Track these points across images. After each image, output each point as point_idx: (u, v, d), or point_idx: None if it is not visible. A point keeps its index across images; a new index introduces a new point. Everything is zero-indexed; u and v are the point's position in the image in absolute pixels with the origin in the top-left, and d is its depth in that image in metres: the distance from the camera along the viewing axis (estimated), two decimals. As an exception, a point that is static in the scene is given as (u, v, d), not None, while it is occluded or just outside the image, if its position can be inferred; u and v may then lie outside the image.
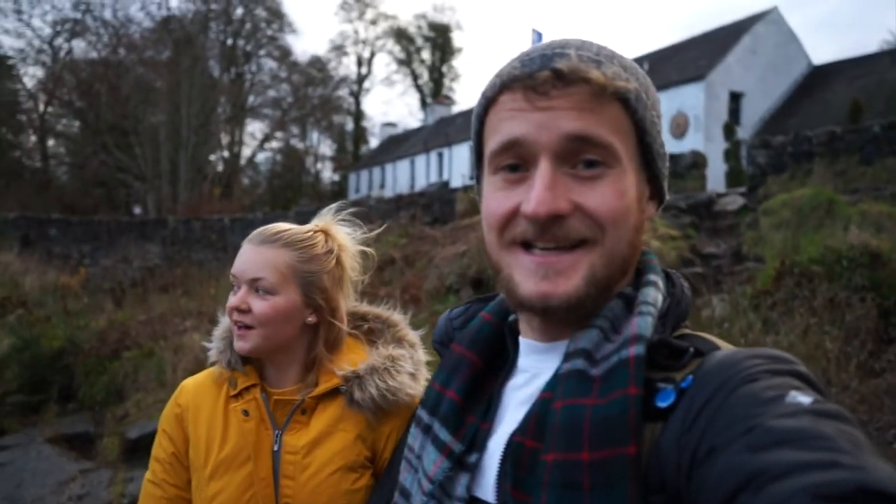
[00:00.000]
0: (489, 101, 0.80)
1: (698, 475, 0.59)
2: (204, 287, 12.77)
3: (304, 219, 1.54)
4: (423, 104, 49.09)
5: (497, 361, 0.89)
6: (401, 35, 50.03)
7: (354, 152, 49.59)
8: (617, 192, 0.74)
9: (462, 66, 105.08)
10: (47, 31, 40.26)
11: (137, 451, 6.65)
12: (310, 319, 1.43)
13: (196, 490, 1.40)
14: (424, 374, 1.44)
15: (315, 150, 49.97)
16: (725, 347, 0.74)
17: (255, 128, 59.12)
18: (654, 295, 0.77)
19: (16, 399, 8.63)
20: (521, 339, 0.86)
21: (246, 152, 45.55)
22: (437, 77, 50.68)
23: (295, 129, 47.39)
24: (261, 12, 41.62)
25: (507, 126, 0.76)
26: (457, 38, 73.75)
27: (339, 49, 51.28)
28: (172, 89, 35.03)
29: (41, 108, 37.75)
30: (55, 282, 14.17)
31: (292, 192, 44.22)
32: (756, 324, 5.92)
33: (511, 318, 0.91)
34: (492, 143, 0.78)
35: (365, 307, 1.58)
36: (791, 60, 25.99)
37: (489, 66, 77.58)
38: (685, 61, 26.03)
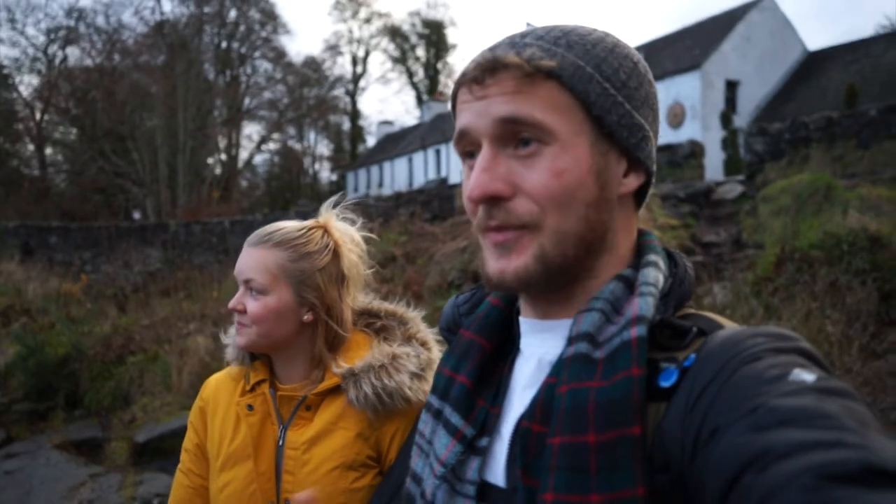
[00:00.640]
0: (454, 99, 0.84)
1: (702, 455, 0.59)
2: (206, 290, 12.78)
3: (303, 218, 1.54)
4: (420, 101, 49.01)
5: (505, 345, 0.89)
6: (395, 33, 49.98)
7: (352, 151, 49.55)
8: (553, 170, 0.75)
9: (457, 62, 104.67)
10: (41, 39, 40.22)
11: (146, 454, 6.69)
12: (306, 318, 1.43)
13: (210, 480, 1.44)
14: (433, 375, 1.43)
15: (312, 151, 50.00)
16: (729, 326, 0.74)
17: (251, 130, 59.21)
18: (655, 275, 0.77)
19: (23, 406, 8.65)
20: (522, 319, 0.87)
21: (243, 155, 45.58)
22: (433, 74, 50.62)
23: (292, 130, 47.39)
24: (254, 14, 41.56)
25: (459, 119, 0.81)
26: (451, 35, 73.53)
27: (333, 49, 51.22)
28: (168, 94, 35.00)
29: (38, 116, 37.76)
30: (58, 289, 14.18)
31: (291, 193, 44.20)
32: (758, 310, 5.94)
33: (518, 303, 0.91)
34: (455, 135, 0.83)
35: (378, 303, 1.57)
36: (786, 47, 25.96)
37: (484, 62, 77.13)
38: (680, 51, 26.00)
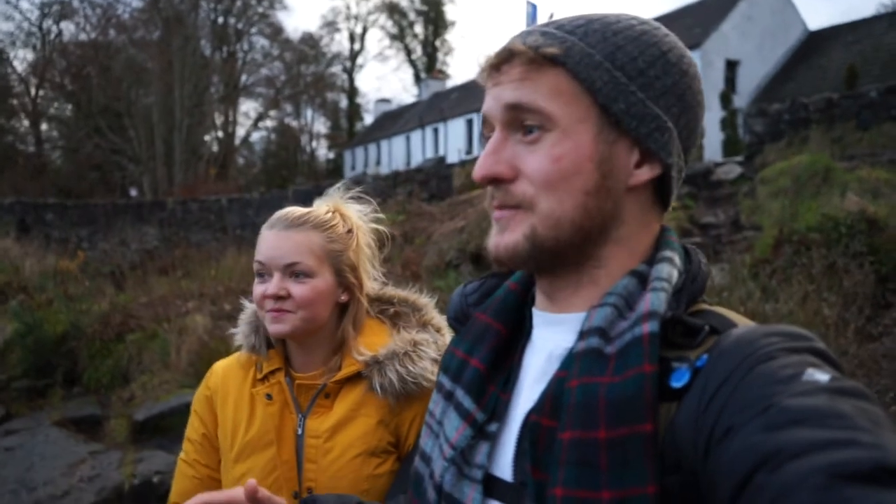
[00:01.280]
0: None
1: (715, 455, 0.59)
2: (204, 268, 12.78)
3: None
4: (417, 79, 48.68)
5: (519, 331, 0.90)
6: (393, 9, 49.48)
7: (349, 129, 49.28)
8: (551, 156, 0.77)
9: (456, 39, 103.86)
10: (35, 13, 39.80)
11: (145, 432, 6.73)
12: (343, 298, 1.44)
13: (224, 471, 1.43)
14: None
15: (309, 128, 49.75)
16: (742, 324, 0.74)
17: (248, 107, 58.87)
18: (669, 270, 0.77)
19: (21, 383, 8.68)
20: (534, 310, 0.88)
21: (240, 132, 45.32)
22: (431, 51, 50.21)
23: (289, 108, 47.10)
24: (251, -11, 41.14)
25: (483, 103, 0.84)
26: (450, 12, 72.92)
27: (330, 25, 50.98)
28: (164, 70, 34.71)
29: (32, 91, 37.48)
30: (54, 266, 14.16)
31: (288, 171, 44.03)
32: (755, 292, 5.97)
33: (534, 288, 0.91)
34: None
35: (392, 290, 1.57)
36: (787, 26, 25.77)
37: (483, 40, 76.90)
38: (680, 30, 25.78)
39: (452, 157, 29.44)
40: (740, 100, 22.64)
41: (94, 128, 35.31)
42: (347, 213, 1.50)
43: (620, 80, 0.77)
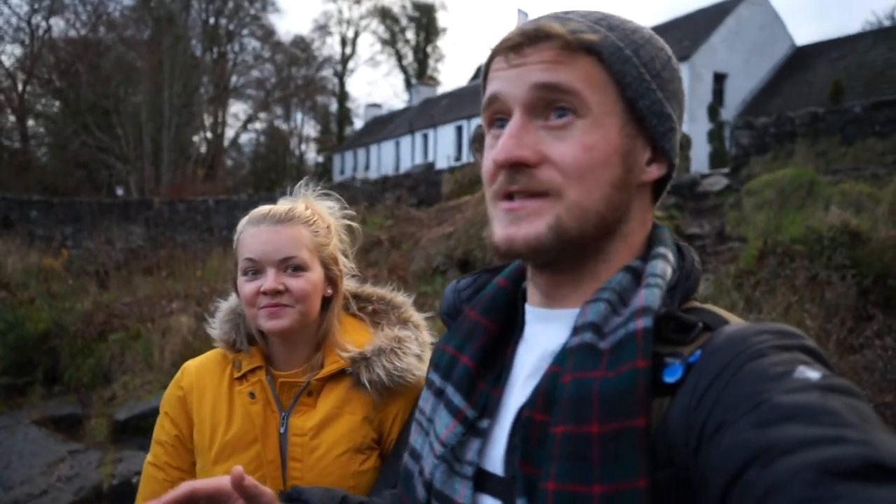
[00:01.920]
0: (486, 68, 0.84)
1: (706, 450, 0.60)
2: (189, 269, 12.71)
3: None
4: (408, 85, 48.74)
5: (510, 328, 0.89)
6: (385, 15, 49.57)
7: (339, 133, 49.21)
8: (584, 144, 0.75)
9: (447, 46, 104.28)
10: (25, 8, 39.47)
11: (126, 432, 6.68)
12: (328, 292, 1.45)
13: (201, 472, 1.40)
14: (430, 356, 1.45)
15: (299, 132, 49.60)
16: (734, 321, 0.75)
17: (238, 108, 58.70)
18: (663, 267, 0.77)
19: (1, 381, 8.59)
20: (528, 307, 0.88)
21: (229, 133, 45.11)
22: (422, 57, 50.31)
23: (279, 110, 46.94)
24: (243, -9, 41.03)
25: (491, 85, 0.81)
26: (441, 19, 73.30)
27: (322, 29, 50.82)
28: (154, 69, 34.50)
29: (20, 87, 37.12)
30: (38, 264, 14.03)
31: (276, 174, 43.86)
32: (739, 303, 6.02)
33: (524, 284, 0.91)
34: (483, 103, 0.83)
35: (370, 288, 1.59)
36: (774, 41, 26.05)
37: (474, 47, 77.21)
38: (669, 42, 24.62)
39: (441, 163, 29.46)
40: (727, 112, 22.84)
41: (81, 125, 35.00)
42: (320, 209, 1.50)
43: (645, 77, 0.79)
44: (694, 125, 22.09)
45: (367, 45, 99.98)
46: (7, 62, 37.93)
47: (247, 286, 1.38)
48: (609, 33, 0.78)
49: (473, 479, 0.80)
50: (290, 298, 1.36)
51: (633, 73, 0.78)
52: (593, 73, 0.76)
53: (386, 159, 38.90)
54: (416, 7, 49.66)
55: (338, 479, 1.32)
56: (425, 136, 36.19)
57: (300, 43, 46.11)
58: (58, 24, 37.67)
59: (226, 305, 1.53)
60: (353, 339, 1.46)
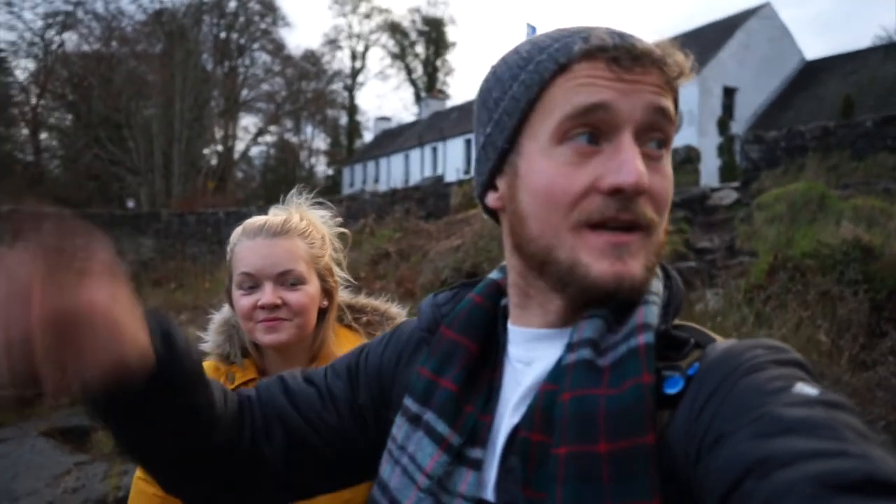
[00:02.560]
0: (561, 67, 0.73)
1: (705, 462, 0.59)
2: (198, 281, 12.76)
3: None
4: (418, 98, 48.98)
5: (488, 346, 0.85)
6: (395, 29, 49.88)
7: (348, 146, 49.45)
8: (669, 176, 0.75)
9: (456, 60, 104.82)
10: (39, 23, 39.89)
11: (133, 444, 6.66)
12: (324, 303, 1.43)
13: None
14: None
15: (309, 145, 49.88)
16: (720, 340, 0.74)
17: (248, 122, 59.06)
18: (657, 285, 0.77)
19: (10, 392, 8.62)
20: (511, 326, 0.84)
21: (240, 146, 45.38)
22: (432, 71, 50.57)
23: (289, 123, 47.25)
24: (254, 5, 41.38)
25: (588, 91, 0.71)
26: (451, 33, 73.75)
27: (332, 43, 51.20)
28: (165, 83, 34.86)
29: (33, 100, 37.56)
30: (48, 275, 14.10)
31: (286, 187, 43.33)
32: (749, 318, 5.97)
33: (503, 301, 0.87)
34: (565, 108, 0.72)
35: (364, 300, 1.58)
36: (784, 56, 26.06)
37: (483, 61, 77.62)
38: (679, 56, 26.01)
39: (451, 176, 29.54)
40: (737, 126, 22.84)
41: (93, 138, 35.34)
42: (313, 219, 1.49)
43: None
44: (704, 139, 22.08)
45: (377, 58, 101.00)
46: (21, 76, 38.37)
47: (243, 300, 1.37)
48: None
49: None
50: (287, 312, 1.35)
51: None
52: (672, 106, 0.76)
53: (395, 172, 39.04)
54: (426, 21, 50.02)
55: (332, 495, 1.30)
56: (434, 150, 36.32)
57: (310, 57, 46.49)
58: (71, 39, 38.00)
59: (219, 317, 1.51)
60: (348, 350, 1.44)
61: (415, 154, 38.12)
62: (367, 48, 49.72)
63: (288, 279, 1.36)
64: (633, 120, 0.71)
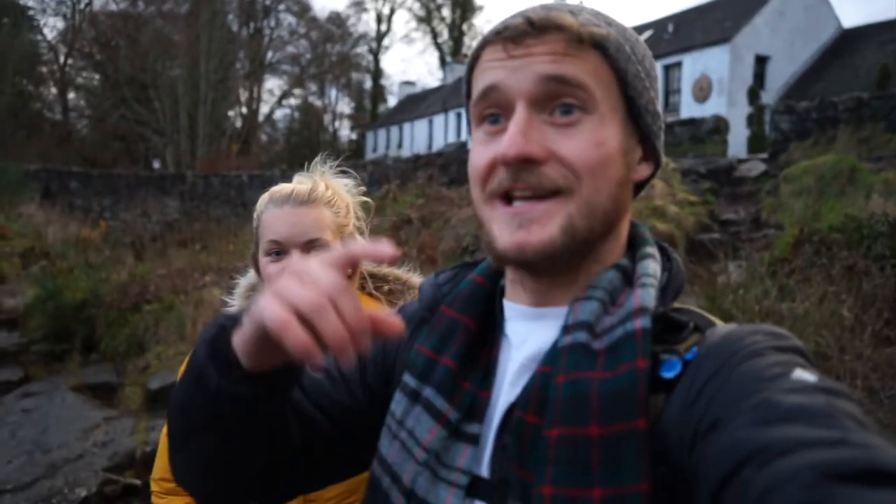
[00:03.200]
0: (474, 59, 0.80)
1: (701, 447, 0.59)
2: (222, 242, 12.88)
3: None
4: (443, 63, 48.48)
5: (487, 325, 0.86)
6: (421, -9, 49.25)
7: (372, 111, 49.28)
8: (593, 140, 0.73)
9: (483, 24, 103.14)
10: (67, -18, 39.93)
11: (158, 400, 6.82)
12: (347, 272, 1.46)
13: None
14: None
15: (333, 108, 49.81)
16: (720, 324, 0.74)
17: (273, 84, 58.95)
18: (654, 267, 0.77)
19: (41, 347, 8.83)
20: (508, 304, 0.85)
21: (264, 109, 45.50)
22: (458, 35, 49.95)
23: (313, 87, 47.18)
24: (280, -34, 41.10)
25: (485, 76, 0.76)
26: (478, -4, 72.39)
27: (358, 5, 50.96)
28: (191, 43, 34.84)
29: (61, 59, 37.80)
30: (77, 234, 14.36)
31: (310, 150, 44.04)
32: (772, 291, 5.91)
33: (503, 281, 0.88)
34: (474, 95, 0.78)
35: (385, 269, 1.59)
36: (820, 24, 25.34)
37: (510, 25, 76.15)
38: (711, 23, 25.45)
39: (474, 143, 29.29)
40: (768, 96, 22.34)
41: (120, 98, 35.56)
42: (338, 188, 1.51)
43: (641, 75, 0.78)
44: (733, 108, 21.66)
45: (403, 22, 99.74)
46: (49, 35, 38.59)
47: (271, 267, 1.39)
48: (611, 29, 0.76)
49: (467, 487, 0.76)
50: None
51: (633, 71, 0.76)
52: (599, 69, 0.74)
53: (419, 137, 38.87)
54: (453, -16, 49.26)
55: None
56: (458, 115, 36.04)
57: (335, 19, 46.20)
58: (99, -2, 38.10)
59: (244, 282, 1.54)
60: None
61: (438, 119, 37.88)
62: (392, 11, 49.41)
63: (314, 247, 1.38)
64: (523, 94, 0.73)
